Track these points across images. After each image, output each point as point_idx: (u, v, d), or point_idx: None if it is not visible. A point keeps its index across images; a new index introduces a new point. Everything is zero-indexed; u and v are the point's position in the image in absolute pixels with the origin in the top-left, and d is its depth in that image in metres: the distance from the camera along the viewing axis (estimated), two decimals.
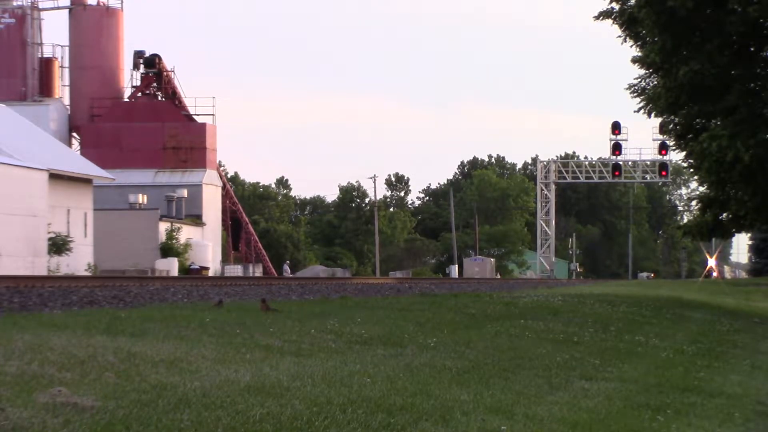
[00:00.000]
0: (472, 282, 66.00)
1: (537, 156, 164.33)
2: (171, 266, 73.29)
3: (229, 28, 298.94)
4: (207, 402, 8.55)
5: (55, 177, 54.08)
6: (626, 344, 18.61)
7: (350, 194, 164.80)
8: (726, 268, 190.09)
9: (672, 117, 38.55)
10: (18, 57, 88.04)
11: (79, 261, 56.65)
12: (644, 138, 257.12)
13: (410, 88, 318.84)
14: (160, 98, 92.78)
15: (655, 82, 37.06)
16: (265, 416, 8.29)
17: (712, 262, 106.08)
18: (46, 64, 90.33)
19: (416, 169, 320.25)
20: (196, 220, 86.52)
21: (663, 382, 13.75)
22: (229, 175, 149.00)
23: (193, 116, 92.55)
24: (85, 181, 60.23)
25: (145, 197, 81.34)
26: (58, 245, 54.28)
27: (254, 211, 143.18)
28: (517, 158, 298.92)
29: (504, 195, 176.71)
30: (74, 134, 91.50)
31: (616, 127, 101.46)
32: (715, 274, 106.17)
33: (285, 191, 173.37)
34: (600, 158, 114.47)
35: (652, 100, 36.35)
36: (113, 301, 22.51)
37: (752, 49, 34.96)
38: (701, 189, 48.65)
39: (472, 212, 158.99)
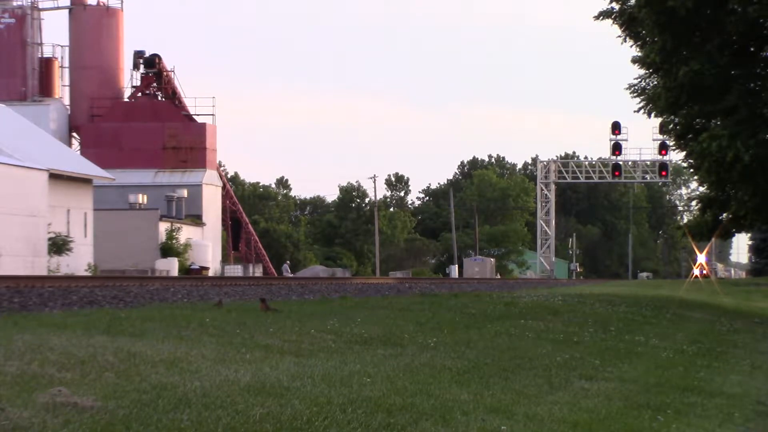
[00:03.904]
0: (472, 282, 66.00)
1: (537, 156, 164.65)
2: (171, 266, 73.28)
3: (229, 28, 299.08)
4: (207, 402, 8.55)
5: (55, 177, 54.08)
6: (626, 344, 18.61)
7: (350, 194, 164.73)
8: (720, 266, 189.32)
9: (672, 117, 38.55)
10: (18, 57, 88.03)
11: (79, 261, 56.65)
12: (644, 138, 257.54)
13: (410, 88, 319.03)
14: (160, 98, 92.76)
15: (655, 82, 37.06)
16: (265, 416, 8.29)
17: (702, 258, 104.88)
18: (46, 64, 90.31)
19: (416, 169, 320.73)
20: (196, 220, 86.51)
21: (663, 382, 13.75)
22: (229, 175, 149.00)
23: (193, 116, 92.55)
24: (85, 181, 60.23)
25: (145, 197, 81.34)
26: (58, 245, 54.27)
27: (254, 211, 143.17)
28: (517, 158, 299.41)
29: (504, 195, 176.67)
30: (74, 134, 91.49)
31: (616, 127, 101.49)
32: (705, 271, 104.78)
33: (285, 191, 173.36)
34: (600, 158, 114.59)
35: (652, 100, 36.35)
36: (113, 301, 22.50)
37: (752, 49, 34.95)
38: (701, 189, 48.70)
39: (472, 212, 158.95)
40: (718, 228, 42.54)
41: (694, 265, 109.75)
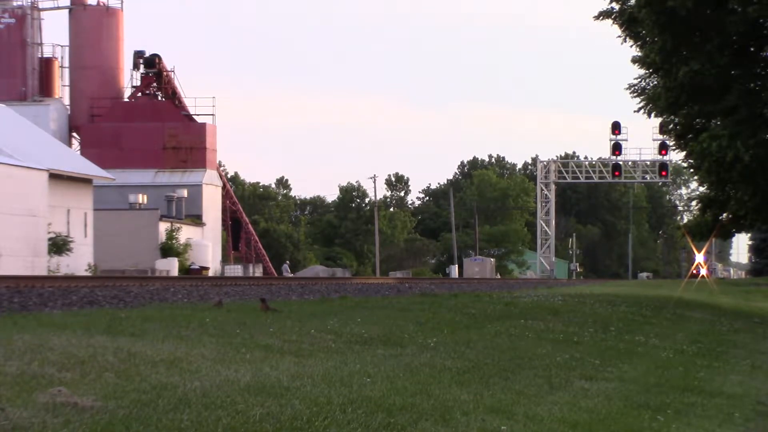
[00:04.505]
0: (472, 282, 65.99)
1: (537, 156, 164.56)
2: (171, 266, 73.26)
3: (229, 28, 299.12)
4: (207, 402, 8.55)
5: (55, 177, 54.06)
6: (626, 344, 18.61)
7: (350, 194, 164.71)
8: (719, 266, 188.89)
9: (672, 117, 38.53)
10: (18, 57, 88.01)
11: (79, 261, 56.63)
12: (644, 138, 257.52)
13: (410, 88, 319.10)
14: (160, 98, 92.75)
15: (655, 82, 37.05)
16: (265, 416, 8.29)
17: (700, 257, 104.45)
18: (46, 64, 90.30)
19: (416, 169, 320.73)
20: (196, 220, 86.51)
21: (663, 382, 13.75)
22: (229, 175, 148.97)
23: (193, 116, 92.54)
24: (85, 181, 60.22)
25: (145, 197, 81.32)
26: (58, 245, 54.26)
27: (254, 211, 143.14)
28: (517, 158, 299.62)
29: (504, 195, 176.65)
30: (74, 134, 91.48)
31: (616, 127, 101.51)
32: (704, 272, 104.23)
33: (285, 191, 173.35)
34: (600, 158, 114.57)
35: (652, 100, 36.34)
36: (113, 301, 22.50)
37: (752, 49, 34.94)
38: (701, 189, 48.69)
39: (472, 212, 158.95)
40: (717, 228, 42.53)
41: (692, 265, 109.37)
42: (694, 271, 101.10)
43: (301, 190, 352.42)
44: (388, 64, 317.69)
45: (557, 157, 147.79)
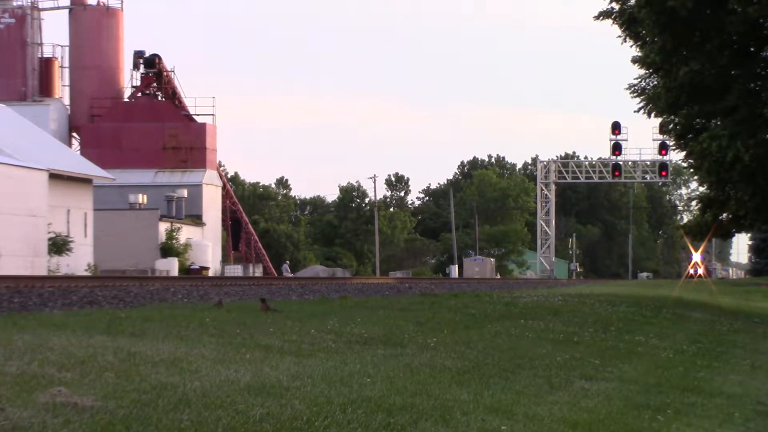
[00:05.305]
0: (472, 282, 65.98)
1: (537, 156, 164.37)
2: (171, 266, 73.27)
3: (229, 28, 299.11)
4: (207, 402, 8.55)
5: (55, 177, 54.07)
6: (626, 344, 18.61)
7: (350, 194, 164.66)
8: (718, 265, 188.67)
9: (672, 117, 38.52)
10: (18, 57, 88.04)
11: (79, 261, 56.64)
12: (644, 138, 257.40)
13: (410, 88, 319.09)
14: (160, 98, 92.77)
15: (655, 82, 37.04)
16: (265, 416, 8.29)
17: (697, 257, 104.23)
18: (46, 64, 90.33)
19: (416, 169, 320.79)
20: (196, 220, 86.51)
21: (663, 382, 13.75)
22: (229, 175, 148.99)
23: (193, 116, 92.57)
24: (85, 181, 60.24)
25: (145, 197, 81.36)
26: (58, 245, 54.28)
27: (254, 211, 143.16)
28: (517, 158, 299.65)
29: (504, 195, 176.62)
30: (74, 134, 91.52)
31: (616, 127, 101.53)
32: (701, 271, 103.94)
33: (285, 191, 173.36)
34: (600, 158, 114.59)
35: (652, 100, 36.33)
36: (113, 301, 22.51)
37: (752, 49, 34.92)
38: (701, 189, 48.71)
39: (472, 212, 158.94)
40: (717, 228, 42.52)
41: (689, 264, 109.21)
42: (692, 271, 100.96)
43: (301, 190, 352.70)
44: (388, 64, 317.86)
45: (557, 157, 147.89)
